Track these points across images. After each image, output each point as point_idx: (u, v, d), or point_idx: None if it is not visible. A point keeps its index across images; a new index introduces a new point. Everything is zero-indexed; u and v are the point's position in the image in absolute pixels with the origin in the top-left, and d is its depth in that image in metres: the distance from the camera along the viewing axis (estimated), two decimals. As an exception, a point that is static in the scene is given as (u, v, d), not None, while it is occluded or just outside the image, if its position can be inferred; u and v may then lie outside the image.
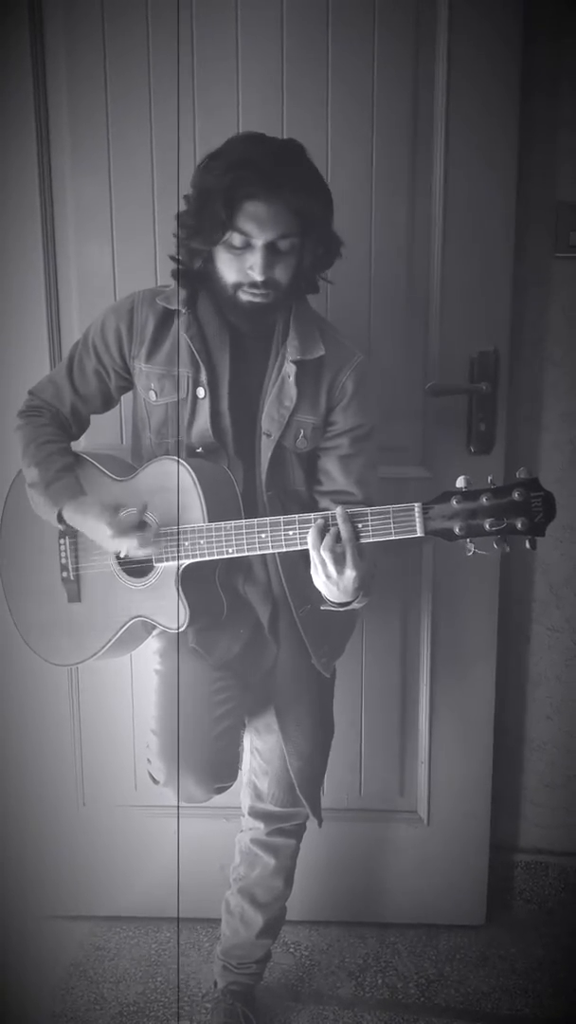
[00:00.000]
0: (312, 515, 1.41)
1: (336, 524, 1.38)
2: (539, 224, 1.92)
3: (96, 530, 1.50)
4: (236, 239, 1.42)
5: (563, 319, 1.97)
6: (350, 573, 1.39)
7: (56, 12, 1.82)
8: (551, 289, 1.95)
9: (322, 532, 1.39)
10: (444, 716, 2.09)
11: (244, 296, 1.46)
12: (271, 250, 1.43)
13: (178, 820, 2.05)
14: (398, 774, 2.15)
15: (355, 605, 1.49)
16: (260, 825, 1.82)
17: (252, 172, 1.38)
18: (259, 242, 1.42)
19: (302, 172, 1.43)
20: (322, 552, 1.38)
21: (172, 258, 1.54)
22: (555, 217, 1.92)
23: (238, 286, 1.46)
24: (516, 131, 1.82)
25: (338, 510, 1.38)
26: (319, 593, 1.48)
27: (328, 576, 1.40)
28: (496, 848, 2.20)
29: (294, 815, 1.80)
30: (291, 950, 2.12)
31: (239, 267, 1.44)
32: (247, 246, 1.43)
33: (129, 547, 1.48)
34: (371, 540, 1.37)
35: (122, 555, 1.54)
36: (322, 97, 1.82)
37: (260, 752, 1.77)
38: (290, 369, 1.53)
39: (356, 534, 1.37)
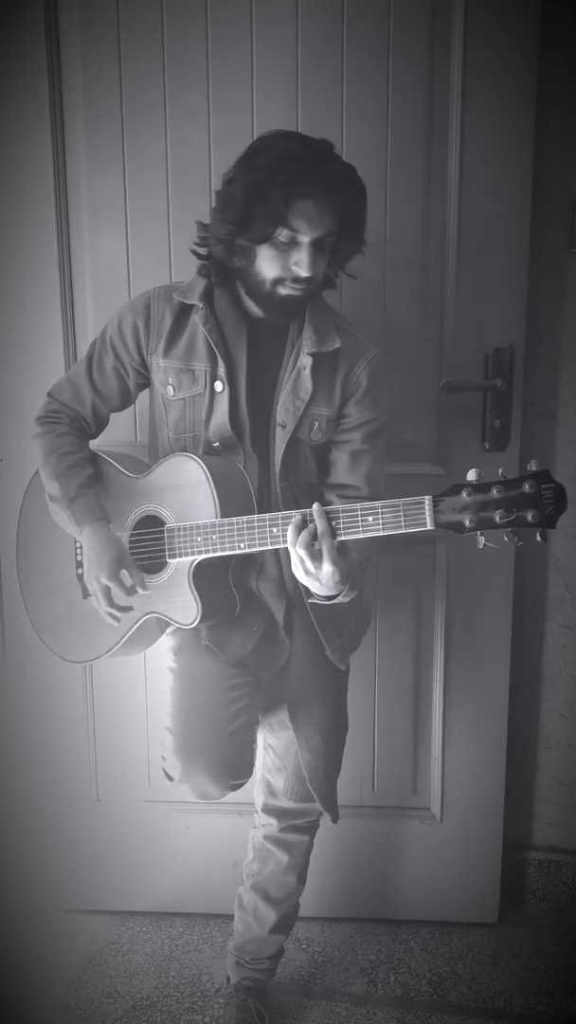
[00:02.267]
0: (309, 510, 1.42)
1: (313, 521, 1.39)
2: (555, 220, 1.91)
3: (95, 564, 1.52)
4: (284, 235, 1.42)
5: (579, 315, 1.96)
6: (328, 568, 1.39)
7: (71, 7, 1.82)
8: (567, 285, 1.94)
9: (299, 529, 1.40)
10: (458, 714, 2.08)
11: (283, 291, 1.47)
12: (317, 247, 1.44)
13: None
14: (411, 771, 2.15)
15: (340, 599, 1.49)
16: (273, 822, 1.82)
17: (303, 169, 1.39)
18: (306, 239, 1.42)
19: (344, 171, 1.45)
20: (298, 549, 1.39)
21: (195, 254, 1.55)
22: (571, 212, 1.91)
23: (278, 281, 1.47)
24: (532, 126, 1.81)
25: (315, 506, 1.39)
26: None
27: (307, 572, 1.41)
28: (509, 846, 2.19)
29: (308, 811, 1.80)
30: (304, 946, 2.12)
31: (283, 264, 1.45)
32: (293, 243, 1.43)
33: (101, 599, 1.54)
34: (377, 535, 1.37)
35: (91, 591, 1.56)
36: (337, 91, 1.82)
37: (274, 749, 1.78)
38: (306, 361, 1.54)
39: (332, 530, 1.38)
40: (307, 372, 1.54)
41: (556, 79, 1.84)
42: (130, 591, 1.52)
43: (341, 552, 1.40)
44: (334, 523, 1.39)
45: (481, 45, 1.78)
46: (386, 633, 2.06)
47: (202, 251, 1.54)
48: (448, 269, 1.88)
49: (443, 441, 1.96)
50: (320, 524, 1.38)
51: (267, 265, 1.46)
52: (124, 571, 1.52)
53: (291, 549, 1.41)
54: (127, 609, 1.55)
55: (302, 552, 1.39)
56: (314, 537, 1.39)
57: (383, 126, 1.83)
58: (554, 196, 1.90)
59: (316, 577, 1.41)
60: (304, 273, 1.44)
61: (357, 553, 1.51)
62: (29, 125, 1.85)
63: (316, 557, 1.39)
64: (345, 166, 1.45)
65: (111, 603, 1.54)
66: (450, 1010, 1.94)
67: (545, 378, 2.00)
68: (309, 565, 1.40)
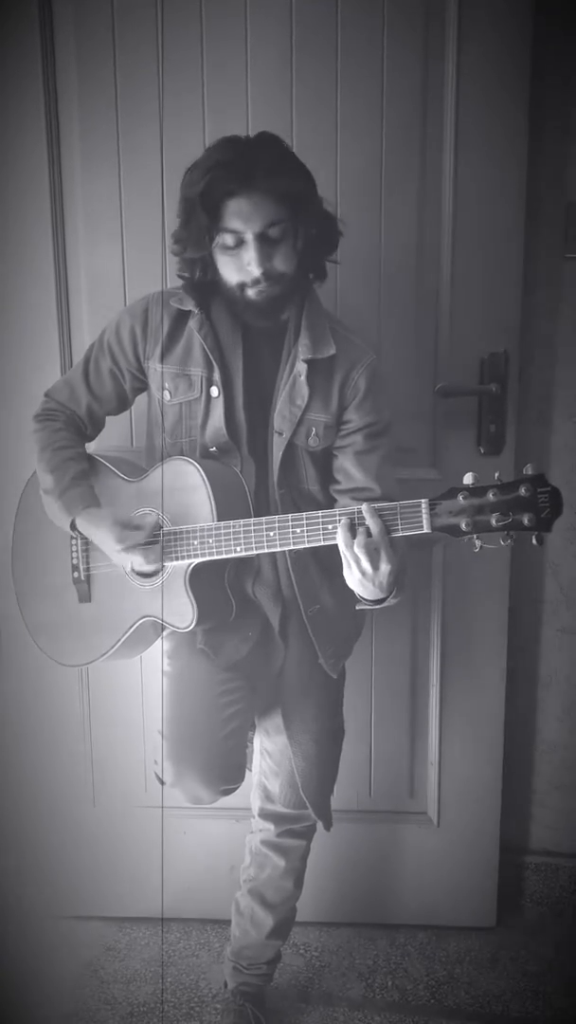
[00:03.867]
0: (319, 512, 1.42)
1: (364, 522, 1.38)
2: (549, 224, 1.92)
3: (105, 543, 1.53)
4: (228, 239, 1.43)
5: (573, 320, 1.96)
6: (385, 567, 1.39)
7: (66, 13, 1.82)
8: (561, 290, 1.95)
9: (351, 530, 1.39)
10: (454, 718, 2.08)
11: (251, 294, 1.47)
12: (264, 241, 1.43)
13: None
14: (408, 776, 2.15)
15: (390, 602, 1.48)
16: (270, 826, 1.82)
17: (224, 171, 1.40)
18: (249, 236, 1.42)
19: (274, 157, 1.43)
20: (356, 550, 1.38)
21: (180, 276, 1.56)
22: (565, 217, 1.91)
23: (243, 286, 1.47)
24: (526, 131, 1.82)
25: (364, 507, 1.38)
26: (347, 593, 1.49)
27: (364, 573, 1.40)
28: (506, 850, 2.19)
29: (304, 816, 1.80)
30: (301, 951, 2.12)
31: (238, 266, 1.45)
32: (240, 243, 1.44)
33: (134, 563, 1.53)
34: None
35: (127, 570, 1.57)
36: (331, 97, 1.82)
37: (270, 753, 1.77)
38: (301, 368, 1.54)
39: (387, 528, 1.37)
40: (303, 379, 1.54)
41: (551, 83, 1.85)
42: (150, 558, 1.51)
43: (394, 548, 1.39)
44: (330, 526, 1.39)
45: (475, 50, 1.78)
46: (382, 637, 2.06)
47: (185, 275, 1.56)
48: (443, 274, 1.89)
49: (439, 445, 1.97)
50: (374, 525, 1.37)
51: (227, 271, 1.48)
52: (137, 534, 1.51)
53: (346, 551, 1.39)
54: (155, 574, 1.54)
55: (360, 553, 1.38)
56: (368, 536, 1.38)
57: (377, 132, 1.83)
58: (548, 201, 1.91)
59: (372, 578, 1.40)
60: (256, 271, 1.44)
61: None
62: (24, 129, 1.85)
63: (374, 557, 1.38)
64: (278, 151, 1.45)
65: (140, 569, 1.54)
66: (448, 1014, 1.94)
67: (540, 382, 2.00)
68: (366, 565, 1.38)
